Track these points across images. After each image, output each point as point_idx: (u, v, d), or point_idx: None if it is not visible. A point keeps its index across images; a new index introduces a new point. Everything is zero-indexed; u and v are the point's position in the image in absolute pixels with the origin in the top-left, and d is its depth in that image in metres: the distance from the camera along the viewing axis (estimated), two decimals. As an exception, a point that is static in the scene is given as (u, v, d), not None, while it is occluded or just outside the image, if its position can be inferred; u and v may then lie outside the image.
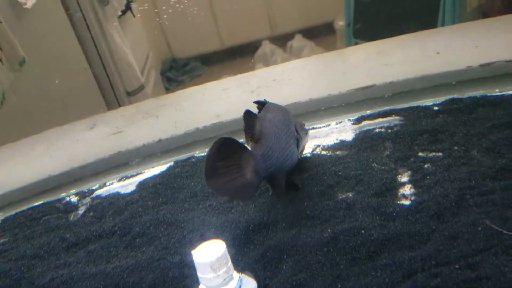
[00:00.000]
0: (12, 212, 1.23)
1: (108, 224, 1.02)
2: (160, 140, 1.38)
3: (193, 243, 0.87)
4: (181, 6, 4.46)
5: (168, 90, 4.64)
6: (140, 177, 1.22)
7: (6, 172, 1.50)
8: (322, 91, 1.39)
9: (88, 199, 1.19)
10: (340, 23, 3.89)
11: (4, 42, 2.40)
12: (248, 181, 0.79)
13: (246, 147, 0.83)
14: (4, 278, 0.93)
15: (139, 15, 4.07)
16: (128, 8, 3.59)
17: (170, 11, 4.50)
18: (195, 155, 1.26)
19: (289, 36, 4.41)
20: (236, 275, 0.72)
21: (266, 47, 4.39)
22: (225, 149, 0.80)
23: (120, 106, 3.30)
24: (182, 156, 1.28)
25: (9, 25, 2.33)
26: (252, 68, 4.27)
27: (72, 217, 1.13)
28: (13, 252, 1.02)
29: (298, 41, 4.34)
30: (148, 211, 1.02)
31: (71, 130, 1.67)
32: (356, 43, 3.15)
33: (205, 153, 1.25)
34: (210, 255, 0.72)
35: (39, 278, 0.90)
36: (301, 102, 1.38)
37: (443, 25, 2.66)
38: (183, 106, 1.62)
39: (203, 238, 0.87)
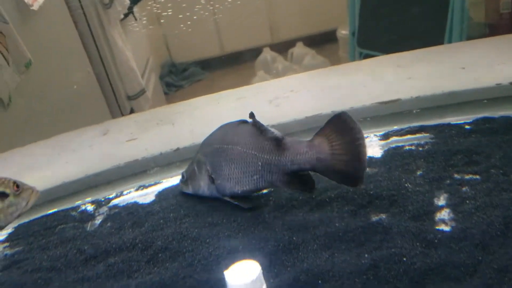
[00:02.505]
0: (26, 219, 1.19)
1: (128, 236, 0.99)
2: (178, 149, 1.35)
3: (221, 261, 0.84)
4: (182, 10, 4.42)
5: (167, 95, 4.59)
6: (159, 187, 1.19)
7: (18, 177, 1.46)
8: (344, 104, 1.36)
9: (105, 208, 1.16)
10: (342, 32, 3.87)
11: (11, 44, 2.37)
12: None
13: None
14: (20, 291, 0.90)
15: (144, 20, 4.05)
16: (130, 11, 3.57)
17: (170, 15, 4.46)
18: (215, 166, 1.22)
19: (290, 44, 4.37)
20: (270, 300, 0.69)
21: (267, 54, 4.36)
22: None
23: (121, 110, 3.26)
24: (201, 167, 1.24)
25: (16, 27, 2.30)
26: (253, 75, 4.22)
27: (89, 227, 1.10)
28: (29, 263, 0.99)
29: (299, 49, 4.30)
30: (170, 224, 0.99)
31: (82, 135, 1.63)
32: (360, 53, 3.12)
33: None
34: (244, 277, 0.69)
35: (57, 293, 0.87)
36: (323, 115, 1.35)
37: (450, 39, 2.64)
38: (198, 115, 1.59)
39: (231, 256, 0.84)
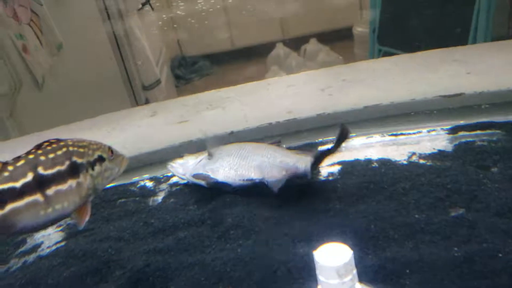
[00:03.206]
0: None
1: (194, 212, 0.99)
2: (232, 132, 1.35)
3: (296, 243, 0.83)
4: (193, 4, 4.38)
5: (177, 87, 4.57)
6: (218, 168, 1.18)
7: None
8: (404, 95, 1.34)
9: (165, 185, 1.16)
10: (359, 29, 3.80)
11: (44, 25, 2.38)
12: None
13: None
14: (91, 258, 0.90)
15: (164, 15, 4.03)
16: (147, 1, 3.56)
17: (182, 7, 4.43)
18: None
19: (302, 40, 4.31)
20: (359, 286, 0.68)
21: (280, 49, 4.31)
22: None
23: (136, 100, 3.25)
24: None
25: (48, 8, 2.30)
26: (264, 70, 4.16)
27: (151, 202, 1.10)
28: (95, 233, 1.00)
29: (312, 45, 4.22)
30: (237, 202, 0.98)
31: (129, 116, 1.63)
32: (380, 50, 3.08)
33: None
34: (335, 259, 0.68)
35: (130, 262, 0.87)
36: (382, 105, 1.33)
37: (475, 39, 2.57)
38: (248, 100, 1.58)
39: (306, 239, 0.83)
